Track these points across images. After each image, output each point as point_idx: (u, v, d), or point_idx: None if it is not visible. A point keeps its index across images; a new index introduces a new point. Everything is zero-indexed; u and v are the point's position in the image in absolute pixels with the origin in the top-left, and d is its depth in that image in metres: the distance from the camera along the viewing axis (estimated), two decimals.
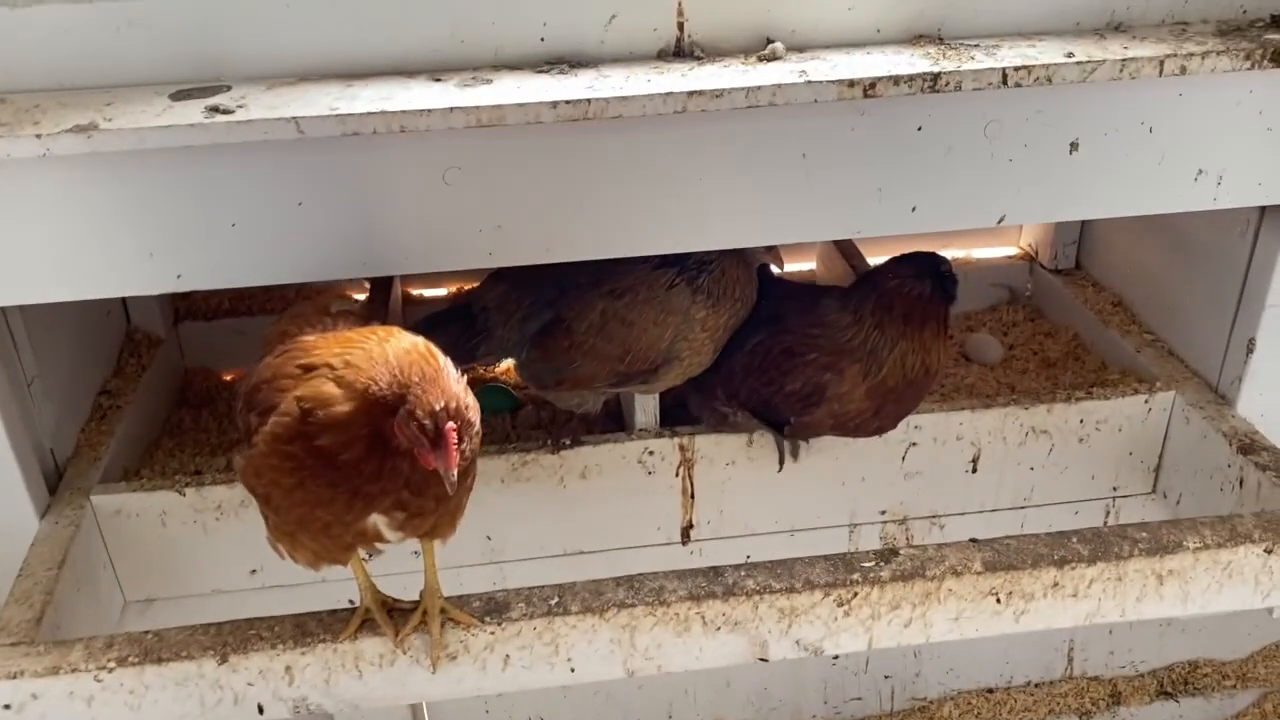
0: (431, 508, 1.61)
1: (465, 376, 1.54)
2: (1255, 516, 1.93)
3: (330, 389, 1.45)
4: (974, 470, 2.40)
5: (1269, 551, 1.89)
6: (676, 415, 2.36)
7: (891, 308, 2.12)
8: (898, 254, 2.20)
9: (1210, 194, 2.02)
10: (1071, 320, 2.83)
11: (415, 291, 2.95)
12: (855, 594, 1.83)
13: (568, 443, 2.25)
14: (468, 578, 2.32)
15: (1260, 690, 2.84)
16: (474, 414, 1.58)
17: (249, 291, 2.85)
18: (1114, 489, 2.49)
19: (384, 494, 1.53)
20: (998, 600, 1.88)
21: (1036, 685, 2.80)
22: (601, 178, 1.84)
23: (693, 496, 2.36)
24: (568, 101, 1.71)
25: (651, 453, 2.29)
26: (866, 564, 1.86)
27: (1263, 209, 2.15)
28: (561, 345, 2.19)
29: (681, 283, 2.10)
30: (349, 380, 1.45)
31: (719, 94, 1.74)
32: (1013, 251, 3.08)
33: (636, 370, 2.18)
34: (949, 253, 3.06)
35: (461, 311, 2.33)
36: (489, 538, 2.32)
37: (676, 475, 2.33)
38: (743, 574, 1.85)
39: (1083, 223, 2.90)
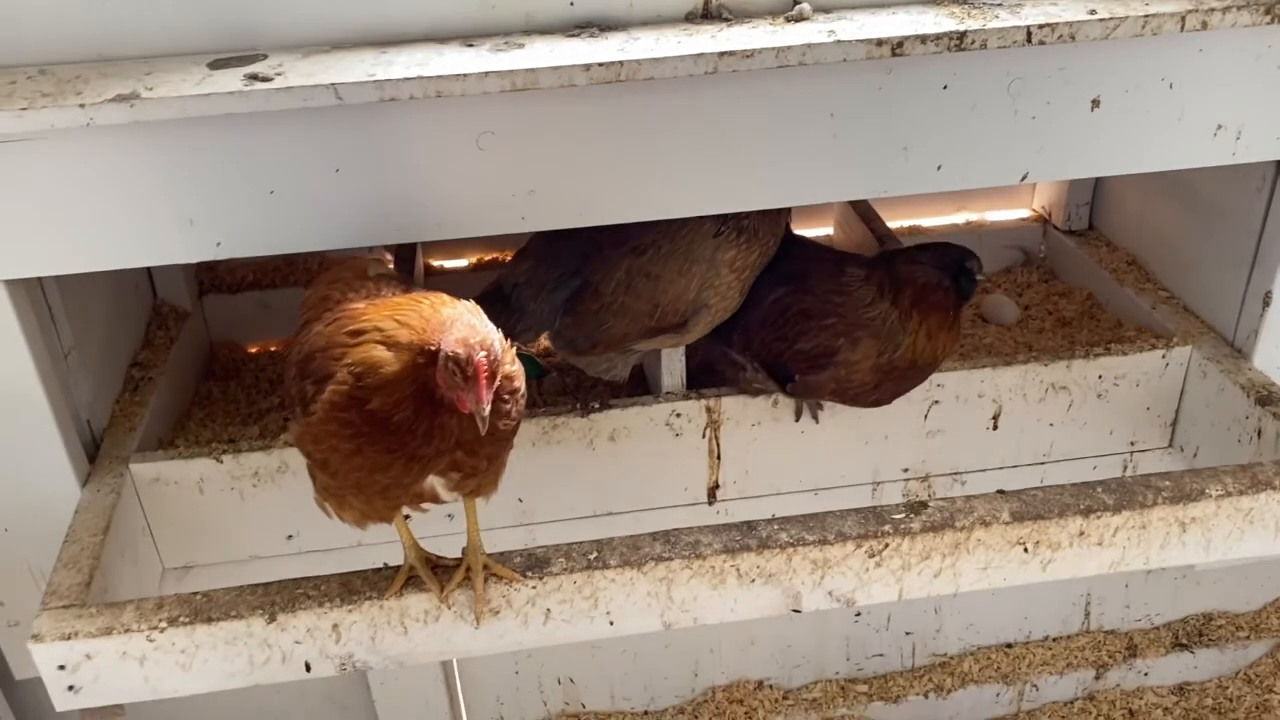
0: (484, 467, 1.64)
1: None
2: (1276, 464, 1.97)
3: (379, 352, 1.48)
4: (995, 427, 2.44)
5: None
6: (703, 380, 2.39)
7: (905, 293, 2.17)
8: (929, 242, 2.25)
9: (1229, 149, 2.05)
10: (1086, 280, 2.86)
11: (436, 263, 2.98)
12: (886, 545, 1.87)
13: (596, 406, 2.29)
14: (501, 539, 2.33)
15: (1273, 641, 2.90)
16: (518, 374, 1.62)
17: (273, 264, 2.88)
18: (1131, 444, 2.53)
19: (439, 455, 1.56)
20: (1025, 550, 1.92)
21: (1054, 639, 2.85)
22: (633, 140, 1.87)
23: (719, 457, 2.39)
24: (601, 64, 1.73)
25: (679, 415, 2.33)
26: (897, 516, 1.89)
27: (1278, 163, 2.18)
28: (591, 309, 2.22)
29: (712, 226, 2.10)
30: (397, 340, 1.48)
31: (750, 54, 1.76)
32: (1026, 213, 3.11)
33: (668, 324, 2.20)
34: (963, 216, 3.12)
35: (494, 294, 2.36)
36: (520, 500, 2.36)
37: (703, 437, 2.36)
38: (776, 528, 1.89)
39: (1095, 184, 2.93)
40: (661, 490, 2.41)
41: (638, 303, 2.18)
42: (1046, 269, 3.03)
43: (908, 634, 2.79)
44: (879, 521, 1.89)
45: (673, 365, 2.33)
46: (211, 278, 2.85)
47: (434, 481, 1.61)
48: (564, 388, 2.61)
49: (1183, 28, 1.85)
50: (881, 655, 2.81)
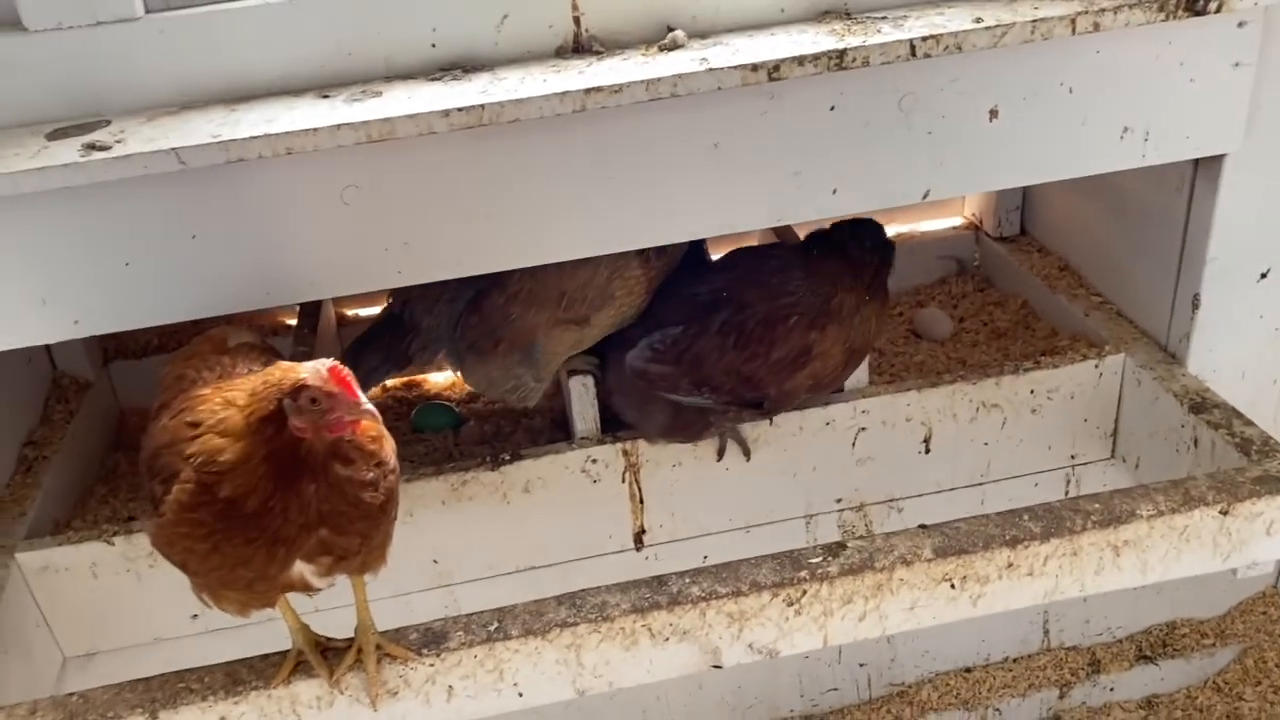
0: (356, 546, 1.55)
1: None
2: (1209, 478, 1.89)
3: (217, 441, 1.40)
4: (927, 451, 2.35)
5: (1224, 513, 1.85)
6: (619, 422, 2.29)
7: (862, 277, 2.12)
8: (842, 220, 2.17)
9: (1138, 151, 1.97)
10: (1020, 288, 2.77)
11: (350, 312, 2.87)
12: (805, 592, 1.78)
13: (507, 457, 2.19)
14: (418, 604, 2.25)
15: (1240, 646, 2.81)
16: (384, 442, 1.52)
17: (179, 325, 2.76)
18: (1072, 457, 2.44)
19: (302, 533, 1.47)
20: (952, 586, 1.83)
21: (1014, 660, 2.75)
22: (506, 185, 1.77)
23: (641, 501, 2.29)
24: (460, 109, 1.64)
25: (595, 460, 2.23)
26: (814, 560, 1.80)
27: (1195, 162, 2.10)
28: (497, 303, 2.11)
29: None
30: (231, 423, 1.39)
31: (618, 89, 1.67)
32: (958, 222, 3.03)
33: (575, 314, 2.11)
34: (894, 227, 3.03)
35: (389, 320, 2.26)
36: (436, 561, 2.25)
37: (623, 481, 2.26)
38: (687, 581, 1.79)
39: (1024, 188, 2.84)
40: (585, 540, 2.31)
41: (545, 289, 2.08)
42: (981, 278, 2.94)
43: (861, 665, 2.69)
44: (795, 567, 1.80)
45: (585, 409, 2.23)
46: (116, 345, 2.74)
47: (302, 569, 1.51)
48: (482, 436, 2.50)
49: (1074, 30, 1.77)
50: (836, 689, 2.71)
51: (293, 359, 2.39)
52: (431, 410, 2.57)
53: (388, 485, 1.50)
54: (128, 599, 2.16)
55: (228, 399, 1.43)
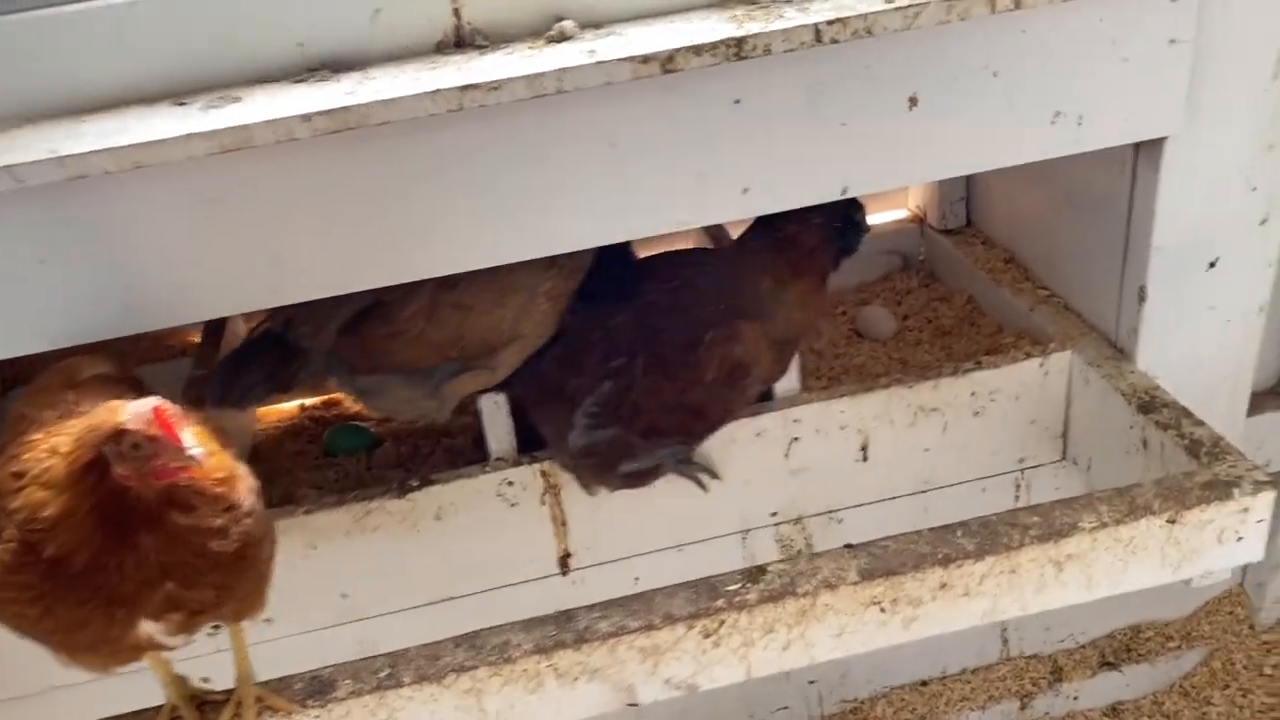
0: (213, 599, 1.40)
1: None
2: (1155, 485, 1.77)
3: (39, 494, 1.26)
4: (865, 459, 2.22)
5: (1172, 522, 1.73)
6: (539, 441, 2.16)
7: (782, 259, 1.98)
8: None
9: (1071, 137, 1.84)
10: (965, 283, 2.65)
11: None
12: (722, 622, 1.66)
13: (415, 484, 2.05)
14: (328, 641, 2.11)
15: (1207, 648, 2.70)
16: (233, 482, 1.39)
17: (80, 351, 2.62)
18: (1020, 461, 2.31)
19: (144, 590, 1.33)
20: (882, 610, 1.71)
21: (973, 672, 2.65)
22: (382, 194, 1.64)
23: (564, 524, 2.16)
24: (322, 112, 1.50)
25: (511, 483, 2.09)
26: (731, 587, 1.68)
27: (1136, 146, 1.97)
28: (379, 334, 1.94)
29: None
30: (54, 473, 1.25)
31: (496, 86, 1.53)
32: (903, 214, 2.90)
33: (470, 355, 1.98)
34: None
35: (271, 339, 2.06)
36: (345, 596, 2.11)
37: (542, 503, 2.13)
38: (596, 615, 1.67)
39: (968, 177, 2.72)
40: (506, 566, 2.18)
41: (440, 333, 1.93)
42: (926, 272, 2.81)
43: (811, 683, 2.57)
44: (712, 596, 1.68)
45: (498, 430, 2.09)
46: (14, 372, 2.59)
47: (150, 628, 1.37)
48: (398, 459, 2.36)
49: (993, 9, 1.63)
50: (786, 708, 2.60)
51: (190, 382, 2.28)
52: (344, 432, 2.43)
53: (242, 530, 1.36)
54: (19, 646, 2.00)
55: (53, 446, 1.29)
